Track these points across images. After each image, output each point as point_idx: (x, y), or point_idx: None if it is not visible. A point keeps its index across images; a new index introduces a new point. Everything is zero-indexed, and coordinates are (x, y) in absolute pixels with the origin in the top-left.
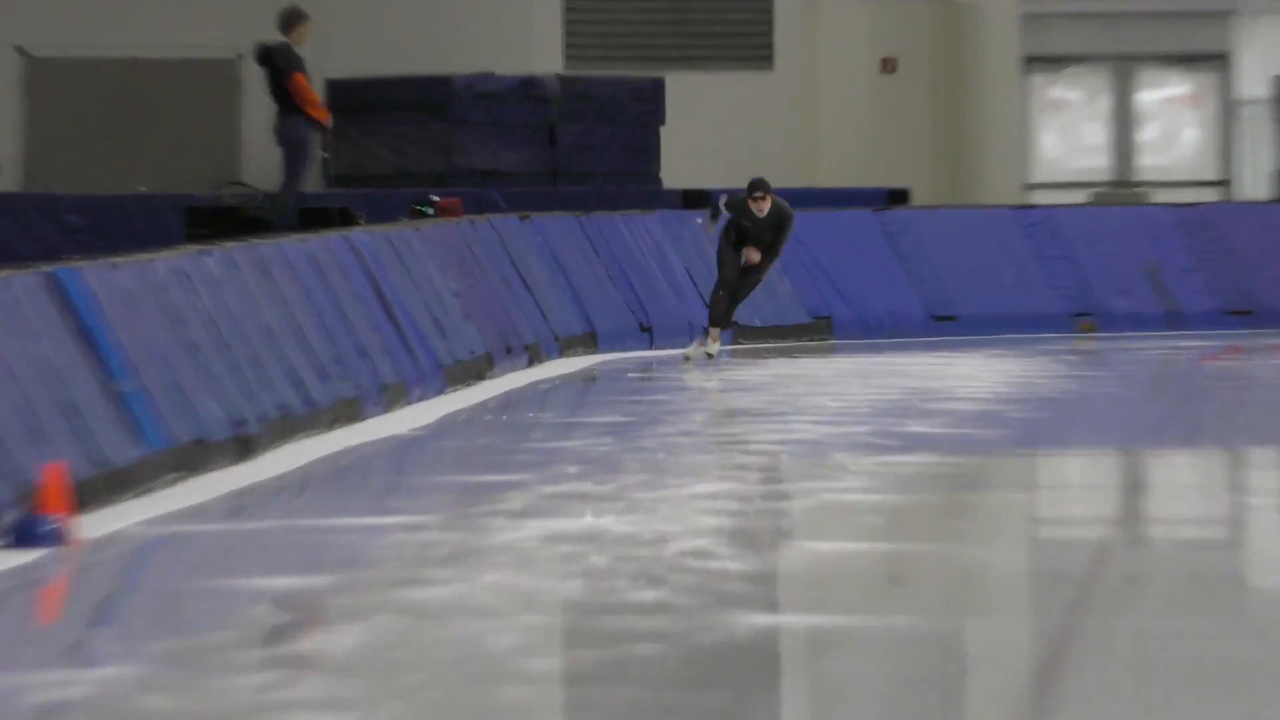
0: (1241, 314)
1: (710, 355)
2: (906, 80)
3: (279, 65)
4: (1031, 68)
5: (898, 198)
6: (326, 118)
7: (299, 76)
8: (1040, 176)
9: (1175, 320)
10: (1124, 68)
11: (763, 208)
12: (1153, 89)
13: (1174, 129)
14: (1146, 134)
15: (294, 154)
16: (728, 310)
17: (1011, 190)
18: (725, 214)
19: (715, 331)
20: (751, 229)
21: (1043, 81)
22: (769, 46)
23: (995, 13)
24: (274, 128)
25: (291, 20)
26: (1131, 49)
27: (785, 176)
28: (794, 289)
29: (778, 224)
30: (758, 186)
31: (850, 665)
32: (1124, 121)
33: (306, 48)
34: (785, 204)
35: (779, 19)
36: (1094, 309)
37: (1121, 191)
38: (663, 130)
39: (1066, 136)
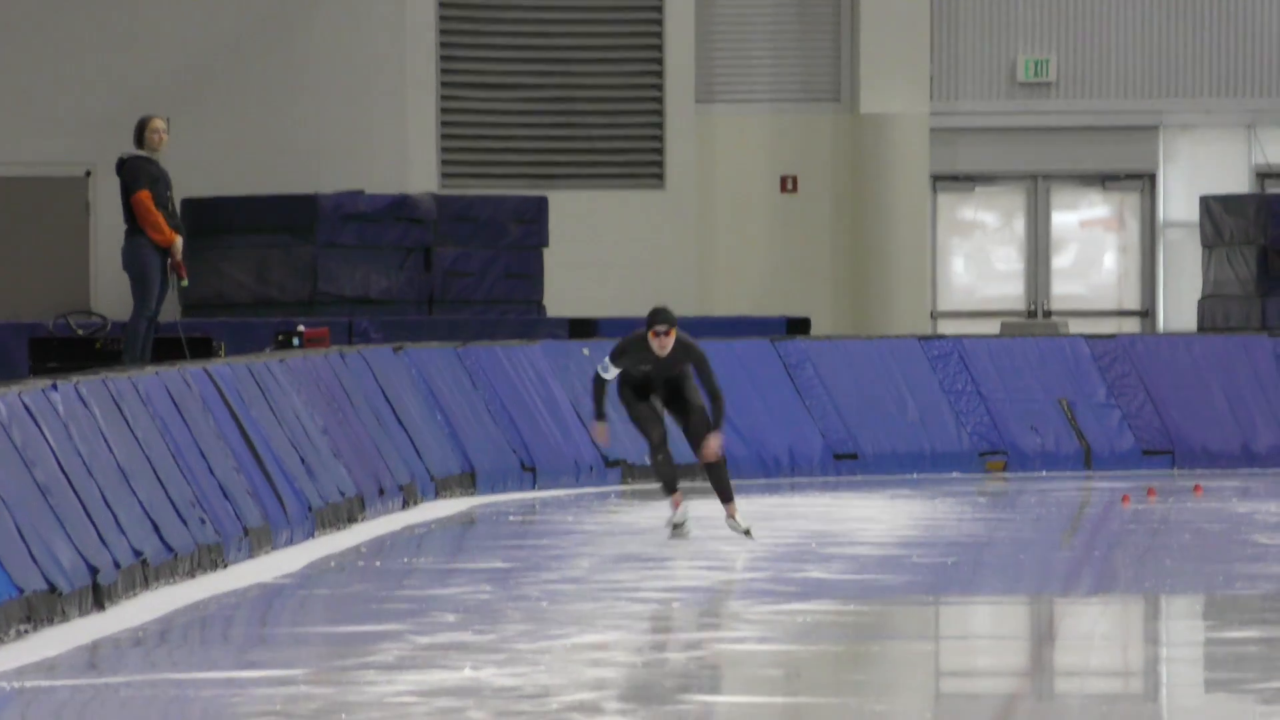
0: (1161, 453)
1: (678, 525)
2: (807, 200)
3: (125, 181)
4: (940, 186)
5: (797, 327)
6: (170, 242)
7: (141, 195)
8: (948, 304)
9: (1091, 459)
10: (1039, 187)
11: (665, 345)
12: (1070, 210)
13: (1092, 253)
14: (1063, 259)
15: (137, 279)
16: (671, 467)
17: (918, 319)
18: (612, 373)
19: (677, 496)
20: (652, 372)
21: (952, 201)
22: (660, 163)
23: (903, 128)
24: (121, 250)
25: (140, 128)
26: (1047, 167)
27: (678, 303)
28: None
29: (684, 362)
30: (660, 318)
31: None
32: (1039, 245)
33: (168, 161)
34: (689, 338)
35: (670, 133)
36: (1004, 446)
37: (1035, 321)
38: (546, 253)
39: (977, 261)
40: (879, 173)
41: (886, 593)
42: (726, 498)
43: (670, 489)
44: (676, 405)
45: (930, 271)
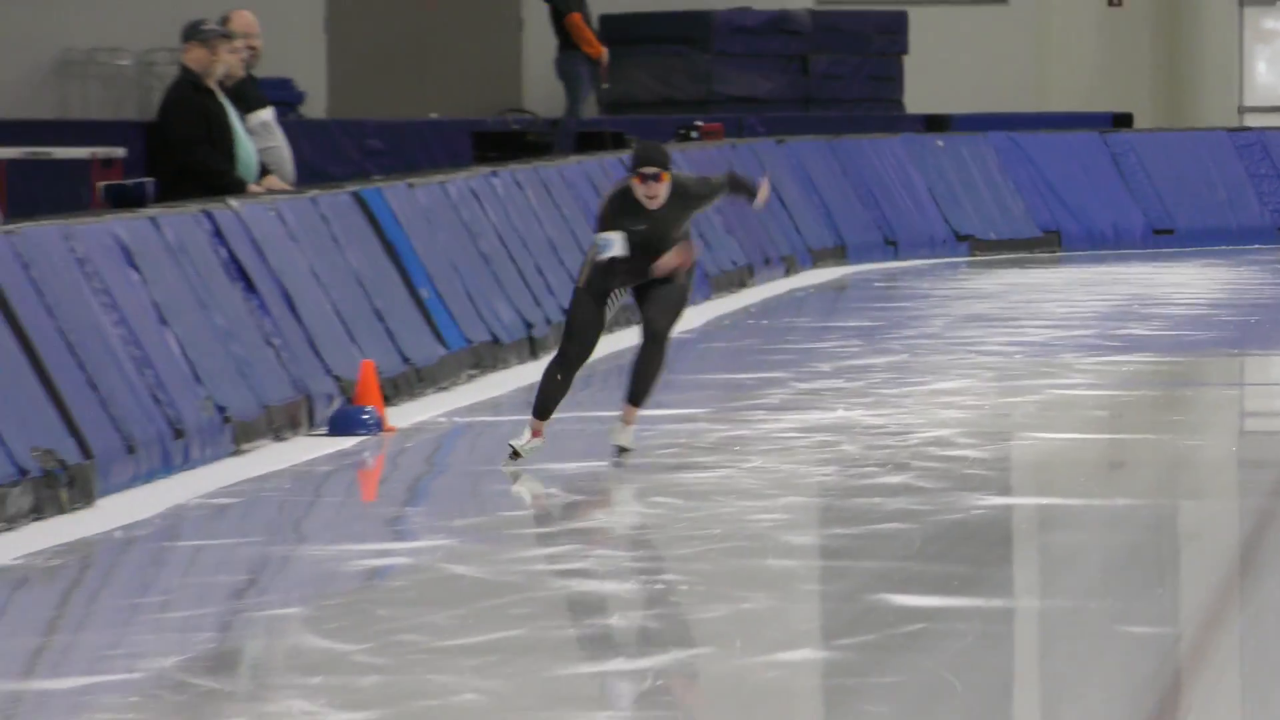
0: None
1: (519, 454)
2: (1131, 13)
3: (557, 6)
4: (1247, 0)
5: (1122, 121)
6: (600, 54)
7: (574, 16)
8: (1253, 101)
9: None
10: None
11: (655, 193)
12: None
13: None
14: None
15: (571, 86)
16: (559, 393)
17: (1227, 114)
18: (617, 248)
19: (538, 424)
20: (648, 234)
21: (1256, 14)
22: None
23: None
24: (555, 61)
25: None
26: None
27: (1018, 101)
28: (1025, 205)
29: (684, 219)
30: (648, 159)
31: (1074, 540)
32: None
33: None
34: (687, 176)
35: None
36: None
37: None
38: (906, 60)
39: (1278, 64)
40: None
41: (1198, 346)
42: (637, 397)
43: (541, 413)
44: (651, 289)
45: (1238, 73)
